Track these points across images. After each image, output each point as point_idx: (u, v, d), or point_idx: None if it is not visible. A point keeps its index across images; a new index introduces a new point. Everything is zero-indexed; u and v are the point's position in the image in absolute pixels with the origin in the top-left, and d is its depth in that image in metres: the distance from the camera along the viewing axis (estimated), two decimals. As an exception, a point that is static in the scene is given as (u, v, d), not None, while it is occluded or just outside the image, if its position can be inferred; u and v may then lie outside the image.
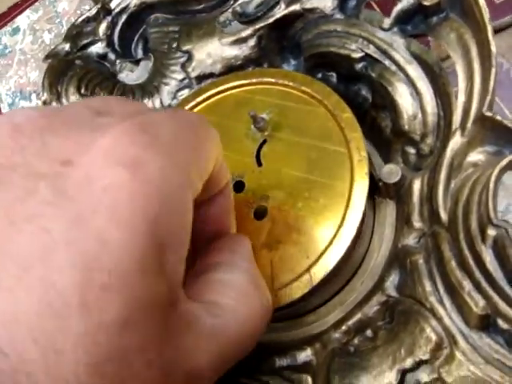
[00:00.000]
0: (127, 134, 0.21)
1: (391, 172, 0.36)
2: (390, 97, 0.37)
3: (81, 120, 0.22)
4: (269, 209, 0.35)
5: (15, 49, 0.58)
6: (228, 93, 0.39)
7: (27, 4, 0.59)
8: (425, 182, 0.36)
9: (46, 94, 0.43)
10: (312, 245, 0.33)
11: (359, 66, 0.38)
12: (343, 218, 0.33)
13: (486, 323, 0.31)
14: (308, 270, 0.32)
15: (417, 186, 0.36)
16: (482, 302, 0.31)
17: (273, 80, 0.38)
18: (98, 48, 0.47)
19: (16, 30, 0.58)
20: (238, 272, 0.28)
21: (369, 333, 0.36)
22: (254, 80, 0.38)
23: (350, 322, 0.36)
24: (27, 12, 0.59)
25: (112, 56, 0.47)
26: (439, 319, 0.33)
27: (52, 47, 0.54)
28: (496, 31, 0.43)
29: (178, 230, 0.21)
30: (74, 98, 0.43)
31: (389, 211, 0.39)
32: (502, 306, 0.30)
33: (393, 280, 0.36)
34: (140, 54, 0.48)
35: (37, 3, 0.59)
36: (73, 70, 0.44)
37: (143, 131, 0.21)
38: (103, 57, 0.47)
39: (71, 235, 0.18)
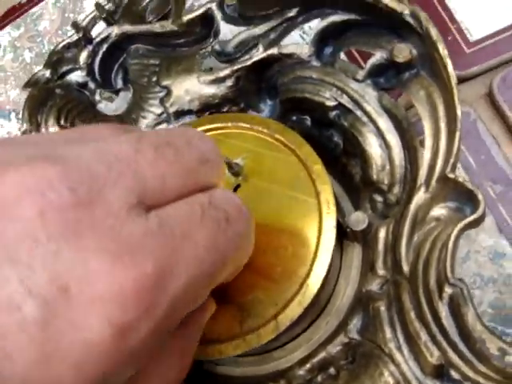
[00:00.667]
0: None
1: (358, 220, 0.37)
2: (361, 147, 0.38)
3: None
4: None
5: (-5, 65, 0.58)
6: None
7: (8, 20, 0.59)
8: (390, 231, 0.37)
9: (25, 125, 0.43)
10: (280, 292, 0.35)
11: (332, 113, 0.40)
12: (310, 269, 0.34)
13: (440, 372, 0.33)
14: (275, 317, 0.34)
15: (382, 234, 0.38)
16: (436, 353, 0.33)
17: (248, 126, 0.39)
18: (78, 76, 0.47)
19: (-4, 46, 0.59)
20: None
21: (332, 371, 0.38)
22: (230, 124, 0.40)
23: (315, 360, 0.38)
24: (8, 28, 0.59)
25: (92, 85, 0.47)
26: (397, 365, 0.34)
27: (33, 66, 0.54)
28: (465, 80, 0.45)
29: None
30: (53, 129, 0.43)
31: (355, 254, 0.40)
32: (455, 358, 0.32)
33: (356, 323, 0.37)
34: (120, 83, 0.48)
35: (18, 19, 0.59)
36: (53, 99, 0.45)
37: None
38: (83, 85, 0.47)
39: None
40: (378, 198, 0.39)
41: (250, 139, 0.39)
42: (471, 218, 0.33)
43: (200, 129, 0.40)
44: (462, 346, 0.31)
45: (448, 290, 0.32)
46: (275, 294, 0.35)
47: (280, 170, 0.38)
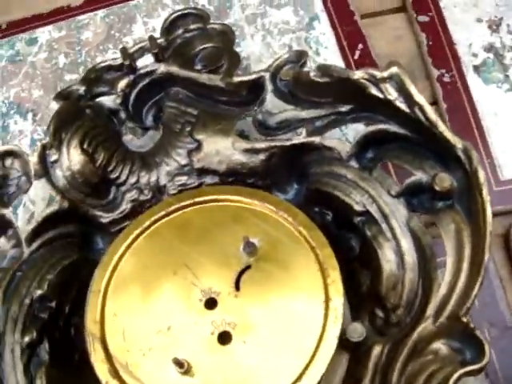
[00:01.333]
0: None
1: (357, 331, 0.37)
2: (377, 260, 0.38)
3: None
4: (233, 337, 0.35)
5: (27, 59, 0.56)
6: (227, 204, 0.40)
7: (52, 19, 0.58)
8: (385, 352, 0.37)
9: (48, 138, 0.42)
10: None
11: (357, 219, 0.39)
12: (303, 373, 0.33)
13: None
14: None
15: (376, 352, 0.37)
16: None
17: (274, 209, 0.39)
18: (111, 102, 0.46)
19: (33, 41, 0.57)
20: None
21: None
22: (256, 202, 0.39)
23: None
24: (50, 27, 0.58)
25: (123, 115, 0.46)
26: None
27: (64, 72, 0.53)
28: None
29: None
30: (74, 151, 0.42)
31: (341, 362, 0.39)
32: None
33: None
34: (149, 120, 0.47)
35: (62, 22, 0.58)
36: (81, 119, 0.44)
37: None
38: (114, 113, 0.46)
39: None
40: (380, 314, 0.38)
41: (273, 223, 0.38)
42: (476, 367, 0.32)
43: (225, 196, 0.39)
44: None
45: None
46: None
47: (295, 263, 0.37)
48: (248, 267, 0.37)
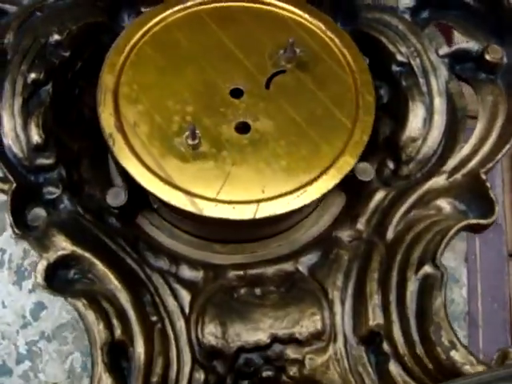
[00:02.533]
0: None
1: (366, 170, 0.36)
2: (406, 111, 0.37)
3: None
4: (251, 129, 0.34)
5: None
6: (278, 10, 0.38)
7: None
8: (388, 197, 0.36)
9: None
10: (272, 183, 0.32)
11: (396, 68, 0.38)
12: (314, 180, 0.33)
13: (372, 340, 0.32)
14: (257, 202, 0.32)
15: (379, 196, 0.37)
16: (380, 320, 0.32)
17: (323, 27, 0.37)
18: None
19: None
20: None
21: (258, 291, 0.36)
22: (307, 16, 0.37)
23: (248, 272, 0.36)
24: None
25: None
26: (333, 314, 0.33)
27: None
28: None
29: None
30: None
31: (336, 201, 0.39)
32: (397, 333, 0.31)
33: (310, 258, 0.36)
34: None
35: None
36: None
37: None
38: None
39: None
40: (390, 165, 0.38)
41: (318, 40, 0.37)
42: (483, 221, 0.32)
43: (276, 2, 0.38)
44: (412, 324, 0.31)
45: (428, 269, 0.32)
46: (266, 183, 0.32)
47: (332, 81, 0.36)
48: (283, 71, 0.36)
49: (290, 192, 0.32)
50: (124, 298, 0.31)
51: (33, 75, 0.35)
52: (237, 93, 0.35)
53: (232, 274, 0.36)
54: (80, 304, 0.29)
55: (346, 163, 0.33)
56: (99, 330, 0.29)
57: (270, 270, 0.36)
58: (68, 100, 0.37)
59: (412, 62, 0.38)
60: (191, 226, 0.37)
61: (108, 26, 0.40)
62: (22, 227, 0.32)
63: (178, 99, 0.34)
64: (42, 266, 0.30)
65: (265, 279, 0.36)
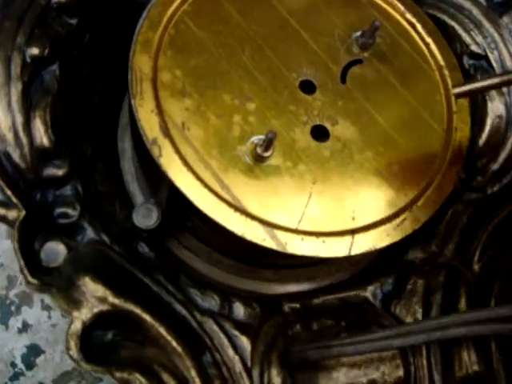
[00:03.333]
0: None
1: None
2: (484, 113, 0.32)
3: None
4: (330, 135, 0.27)
5: None
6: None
7: None
8: (466, 213, 0.31)
9: None
10: (363, 207, 0.26)
11: (470, 61, 0.33)
12: (413, 203, 0.26)
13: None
14: (352, 233, 0.25)
15: (454, 211, 0.31)
16: (478, 367, 0.27)
17: (402, 8, 0.30)
18: None
19: None
20: None
21: (314, 326, 0.30)
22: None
23: (306, 303, 0.30)
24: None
25: None
26: (417, 357, 0.28)
27: None
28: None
29: None
30: None
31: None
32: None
33: (379, 288, 0.30)
34: None
35: None
36: None
37: None
38: None
39: None
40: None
41: (401, 29, 0.30)
42: None
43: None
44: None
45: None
46: (354, 207, 0.26)
47: (416, 76, 0.29)
48: (359, 61, 0.29)
49: (388, 219, 0.26)
50: (185, 365, 0.23)
51: (34, 50, 0.25)
52: (308, 86, 0.27)
53: (286, 307, 0.29)
54: (135, 379, 0.22)
55: (448, 180, 0.27)
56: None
57: (330, 301, 0.30)
58: (76, 85, 0.28)
59: (490, 55, 0.33)
60: (235, 248, 0.30)
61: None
62: (36, 272, 0.23)
63: (236, 92, 0.26)
64: (75, 329, 0.22)
65: (325, 311, 0.30)
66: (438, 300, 0.29)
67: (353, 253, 0.25)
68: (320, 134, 0.27)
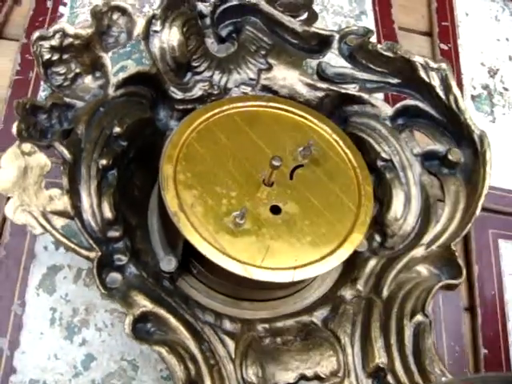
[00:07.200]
0: None
1: (362, 244, 0.47)
2: (390, 197, 0.49)
3: None
4: (282, 211, 0.44)
5: None
6: (293, 116, 0.49)
7: None
8: (380, 264, 0.47)
9: (158, 11, 0.48)
10: (302, 254, 0.42)
11: (381, 163, 0.50)
12: (334, 251, 0.42)
13: (378, 374, 0.42)
14: (294, 268, 0.41)
15: (372, 262, 0.47)
16: (384, 359, 0.42)
17: (329, 130, 0.48)
18: (203, 7, 0.53)
19: None
20: None
21: (278, 340, 0.44)
22: (317, 122, 0.48)
23: (272, 324, 0.45)
24: None
25: (208, 21, 0.53)
26: (346, 355, 0.43)
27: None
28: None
29: None
30: (176, 30, 0.48)
31: (335, 268, 0.49)
32: (398, 366, 0.41)
33: (322, 312, 0.45)
34: (224, 34, 0.55)
35: None
36: (183, 8, 0.50)
37: None
38: (202, 16, 0.53)
39: None
40: (377, 238, 0.49)
41: (326, 142, 0.48)
42: (455, 282, 0.43)
43: (292, 109, 0.48)
44: (410, 360, 0.41)
45: (419, 318, 0.42)
46: (299, 254, 0.42)
47: (339, 174, 0.46)
48: (301, 165, 0.46)
49: (317, 260, 0.42)
50: (193, 345, 0.39)
51: (103, 161, 0.43)
52: (269, 183, 0.45)
53: (260, 326, 0.44)
54: (163, 350, 0.37)
55: (356, 238, 0.44)
56: (180, 370, 0.36)
57: (289, 323, 0.45)
58: (126, 182, 0.45)
59: (393, 159, 0.50)
60: (225, 288, 0.46)
61: (151, 120, 0.49)
62: (105, 288, 0.39)
63: (224, 186, 0.44)
64: (129, 320, 0.37)
65: (285, 330, 0.45)
66: (360, 319, 0.44)
67: (295, 279, 0.41)
68: (275, 210, 0.44)
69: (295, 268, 0.41)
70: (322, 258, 0.42)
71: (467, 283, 0.55)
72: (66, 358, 0.45)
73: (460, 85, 0.62)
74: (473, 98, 0.62)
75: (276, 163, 0.42)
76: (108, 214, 0.42)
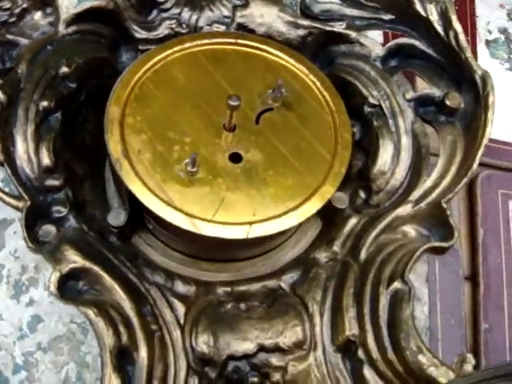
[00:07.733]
0: None
1: (341, 199, 0.41)
2: (377, 147, 0.42)
3: None
4: (243, 159, 0.38)
5: None
6: (264, 54, 0.43)
7: None
8: (361, 223, 0.41)
9: None
10: (262, 208, 0.36)
11: (368, 109, 0.44)
12: (299, 206, 0.37)
13: (348, 348, 0.36)
14: (250, 224, 0.36)
15: (353, 221, 0.41)
16: (355, 330, 0.36)
17: (306, 71, 0.42)
18: None
19: None
20: None
21: (243, 306, 0.39)
22: (292, 61, 0.42)
23: (235, 288, 0.40)
24: None
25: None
26: (313, 325, 0.37)
27: None
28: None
29: None
30: None
31: (313, 226, 0.43)
32: (371, 341, 0.35)
33: (291, 277, 0.40)
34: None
35: None
36: None
37: None
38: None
39: None
40: (362, 195, 0.43)
41: (301, 83, 0.42)
42: (444, 244, 0.37)
43: (263, 47, 0.43)
44: (384, 333, 0.35)
45: (397, 285, 0.36)
46: (257, 207, 0.37)
47: (314, 119, 0.41)
48: (270, 109, 0.40)
49: (278, 216, 0.37)
50: (128, 307, 0.34)
51: (44, 103, 0.38)
52: (230, 127, 0.39)
53: (220, 290, 0.40)
54: (91, 312, 0.32)
55: (327, 192, 0.38)
56: (108, 335, 0.32)
57: (254, 287, 0.40)
58: (73, 127, 0.41)
59: (382, 105, 0.44)
60: (182, 245, 0.41)
61: (109, 61, 0.44)
62: (35, 242, 0.35)
63: (178, 131, 0.38)
64: (55, 277, 0.33)
65: (250, 295, 0.40)
66: (333, 284, 0.39)
67: (249, 236, 0.35)
68: (235, 158, 0.38)
69: (251, 223, 0.36)
70: (285, 213, 0.37)
71: (470, 248, 0.48)
72: (11, 318, 0.42)
73: (473, 28, 0.55)
74: (487, 43, 0.54)
75: (233, 103, 0.36)
76: (46, 160, 0.37)
